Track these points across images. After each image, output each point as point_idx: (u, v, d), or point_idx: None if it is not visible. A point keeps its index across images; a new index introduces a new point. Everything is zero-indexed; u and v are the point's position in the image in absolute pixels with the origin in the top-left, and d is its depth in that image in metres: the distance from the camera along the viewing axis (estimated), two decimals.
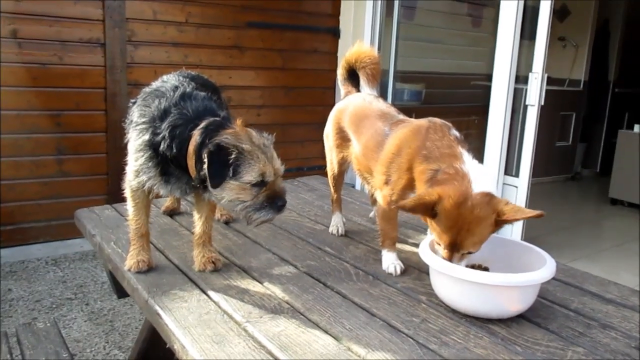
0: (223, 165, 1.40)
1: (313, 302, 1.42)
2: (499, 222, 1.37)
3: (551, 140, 6.87)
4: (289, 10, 4.87)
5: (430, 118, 1.61)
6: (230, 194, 1.44)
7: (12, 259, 3.91)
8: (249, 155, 1.42)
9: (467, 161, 1.45)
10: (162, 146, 1.46)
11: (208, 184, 1.44)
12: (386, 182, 1.61)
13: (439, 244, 1.42)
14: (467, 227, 1.35)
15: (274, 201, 1.46)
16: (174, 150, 1.46)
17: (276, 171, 1.47)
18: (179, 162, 1.48)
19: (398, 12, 5.08)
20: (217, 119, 1.48)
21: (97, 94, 4.08)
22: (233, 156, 1.40)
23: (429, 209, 1.37)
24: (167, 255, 1.75)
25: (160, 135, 1.47)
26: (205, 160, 1.39)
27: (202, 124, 1.45)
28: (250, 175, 1.42)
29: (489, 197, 1.37)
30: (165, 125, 1.46)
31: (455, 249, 1.38)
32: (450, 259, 1.39)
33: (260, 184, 1.44)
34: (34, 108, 3.87)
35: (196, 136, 1.44)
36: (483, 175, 1.41)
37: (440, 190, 1.36)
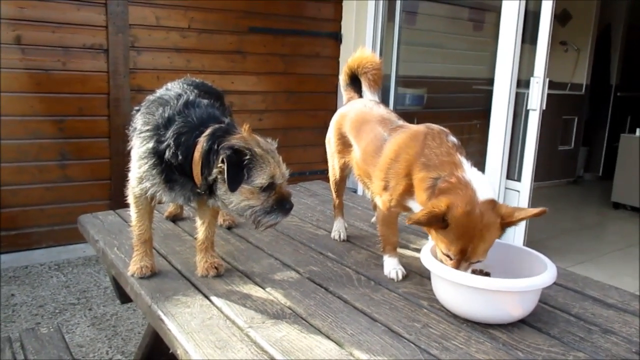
0: (240, 168, 1.42)
1: (315, 308, 1.43)
2: (504, 226, 1.40)
3: (553, 145, 6.86)
4: (291, 15, 4.89)
5: (427, 124, 1.62)
6: (239, 198, 1.46)
7: (15, 264, 3.92)
8: (260, 159, 1.44)
9: (468, 169, 1.45)
10: (167, 154, 1.47)
11: (217, 189, 1.46)
12: (385, 188, 1.62)
13: (447, 255, 1.41)
14: (478, 234, 1.36)
15: (282, 204, 1.49)
16: (180, 158, 1.47)
17: (283, 175, 1.50)
18: (183, 169, 1.49)
19: (399, 17, 5.09)
20: (223, 125, 1.49)
21: (100, 99, 4.10)
22: (247, 159, 1.42)
23: (440, 220, 1.37)
24: (170, 260, 1.76)
25: (165, 143, 1.48)
26: (224, 164, 1.41)
27: (208, 131, 1.46)
28: (261, 178, 1.44)
29: (492, 203, 1.39)
30: (170, 133, 1.47)
31: (465, 258, 1.38)
32: (458, 267, 1.39)
33: (270, 187, 1.46)
34: (37, 113, 3.89)
35: (202, 143, 1.45)
36: (484, 183, 1.42)
37: (447, 200, 1.37)
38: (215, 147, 1.43)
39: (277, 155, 1.51)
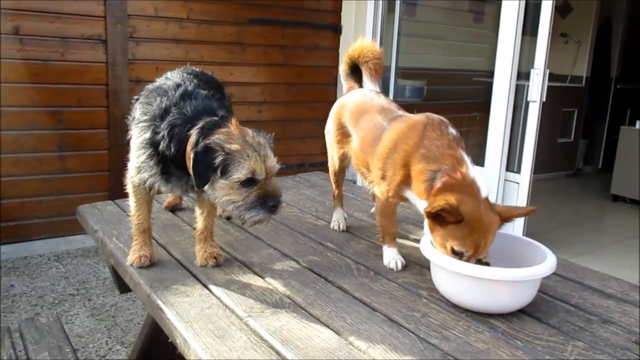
0: (207, 166, 1.39)
1: (314, 297, 1.43)
2: (502, 221, 1.44)
3: (553, 137, 6.86)
4: (291, 7, 4.87)
5: (427, 114, 1.61)
6: (221, 193, 1.43)
7: (14, 255, 3.92)
8: (237, 154, 1.39)
9: (471, 167, 1.46)
10: (161, 145, 1.46)
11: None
12: (382, 177, 1.62)
13: (459, 253, 1.39)
14: (488, 228, 1.38)
15: (265, 201, 1.43)
16: (173, 150, 1.46)
17: (269, 170, 1.44)
18: (178, 161, 1.48)
19: (399, 9, 5.08)
20: (215, 118, 1.46)
21: (98, 90, 4.08)
22: (220, 157, 1.38)
23: (457, 213, 1.36)
24: (169, 250, 1.76)
25: (160, 135, 1.47)
26: (191, 160, 1.39)
27: (199, 124, 1.45)
28: (239, 173, 1.39)
29: (489, 202, 1.43)
30: (164, 124, 1.47)
31: (477, 254, 1.39)
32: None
33: (250, 182, 1.41)
34: (35, 104, 3.87)
35: (192, 136, 1.43)
36: (485, 182, 1.44)
37: (455, 197, 1.37)
38: (200, 141, 1.41)
39: (264, 150, 1.44)
